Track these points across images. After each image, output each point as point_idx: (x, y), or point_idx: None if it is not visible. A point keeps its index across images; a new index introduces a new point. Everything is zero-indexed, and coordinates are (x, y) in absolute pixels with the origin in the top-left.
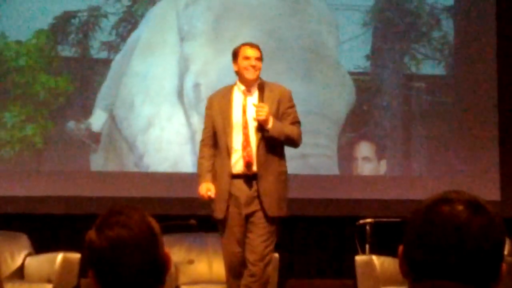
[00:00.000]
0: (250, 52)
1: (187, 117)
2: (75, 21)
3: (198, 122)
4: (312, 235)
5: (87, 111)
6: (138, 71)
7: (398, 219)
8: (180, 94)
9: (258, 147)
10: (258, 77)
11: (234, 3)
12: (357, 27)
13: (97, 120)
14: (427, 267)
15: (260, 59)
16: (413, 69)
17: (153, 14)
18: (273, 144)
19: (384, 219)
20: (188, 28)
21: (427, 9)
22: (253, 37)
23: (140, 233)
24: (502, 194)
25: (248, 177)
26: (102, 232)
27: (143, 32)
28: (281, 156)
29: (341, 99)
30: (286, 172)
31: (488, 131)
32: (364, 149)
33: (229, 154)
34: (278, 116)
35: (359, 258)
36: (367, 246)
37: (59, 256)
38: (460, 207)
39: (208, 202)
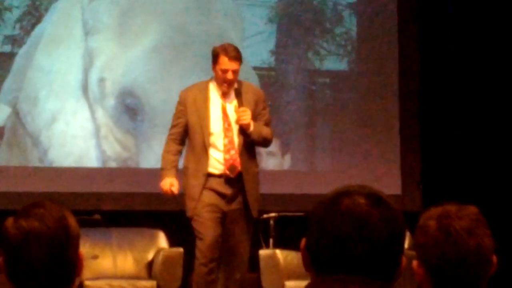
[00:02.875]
0: (229, 65)
1: (92, 112)
2: None
3: (103, 117)
4: None
5: None
6: (43, 65)
7: (301, 213)
8: (85, 88)
9: (241, 149)
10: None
11: None
12: (262, 22)
13: (0, 114)
14: (328, 260)
15: (237, 71)
16: (317, 65)
17: (58, 8)
18: (250, 146)
19: (288, 213)
20: (93, 23)
21: (331, 5)
22: (160, 32)
23: (54, 230)
24: (403, 188)
25: (230, 178)
26: (18, 221)
27: (48, 26)
28: (255, 157)
29: None
30: (258, 172)
31: (389, 126)
32: None
33: (206, 153)
34: (254, 116)
35: (262, 252)
36: (270, 240)
37: None
38: (361, 200)
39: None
